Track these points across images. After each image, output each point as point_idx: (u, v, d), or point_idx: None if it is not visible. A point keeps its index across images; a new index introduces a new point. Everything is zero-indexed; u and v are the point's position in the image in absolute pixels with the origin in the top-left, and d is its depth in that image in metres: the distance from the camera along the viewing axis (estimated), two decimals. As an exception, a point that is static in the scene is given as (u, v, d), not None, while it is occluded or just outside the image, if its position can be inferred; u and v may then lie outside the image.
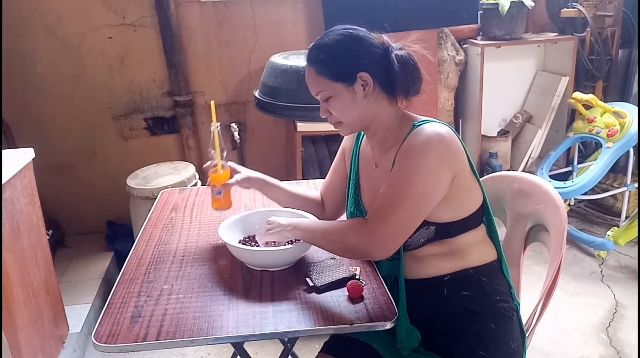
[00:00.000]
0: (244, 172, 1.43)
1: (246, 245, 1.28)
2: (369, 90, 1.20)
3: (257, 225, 1.36)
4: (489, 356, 1.18)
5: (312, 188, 1.75)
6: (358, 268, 1.21)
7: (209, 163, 1.40)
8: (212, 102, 1.37)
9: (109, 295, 1.16)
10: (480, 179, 1.27)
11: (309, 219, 1.28)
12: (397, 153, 1.17)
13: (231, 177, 1.40)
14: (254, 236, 1.33)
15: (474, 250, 1.24)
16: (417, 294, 1.21)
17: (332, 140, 2.70)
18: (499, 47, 3.03)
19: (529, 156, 3.26)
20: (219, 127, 1.35)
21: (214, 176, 1.36)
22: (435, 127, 1.15)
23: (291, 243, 1.27)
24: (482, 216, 1.27)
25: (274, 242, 1.28)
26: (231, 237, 1.27)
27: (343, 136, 1.40)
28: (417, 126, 1.18)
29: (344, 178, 1.42)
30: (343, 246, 1.15)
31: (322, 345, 1.33)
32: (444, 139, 1.13)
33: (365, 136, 1.34)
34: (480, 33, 3.14)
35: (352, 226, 1.15)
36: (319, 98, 1.24)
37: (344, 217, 1.49)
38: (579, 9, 2.98)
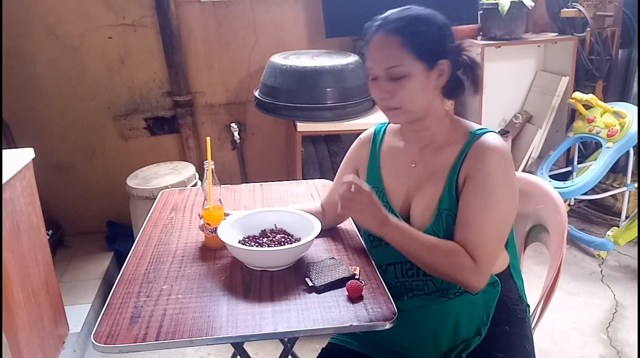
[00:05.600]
0: (235, 214, 1.38)
1: (246, 245, 1.28)
2: (442, 81, 1.13)
3: (257, 225, 1.36)
4: None
5: (314, 193, 1.75)
6: (358, 268, 1.21)
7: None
8: (208, 139, 1.36)
9: (108, 295, 1.16)
10: None
11: (401, 222, 1.14)
12: (458, 164, 1.14)
13: (224, 216, 1.35)
14: (254, 236, 1.33)
15: None
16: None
17: (332, 140, 2.70)
18: (499, 47, 3.02)
19: (529, 156, 3.26)
20: (213, 165, 1.33)
21: (206, 214, 1.33)
22: (498, 140, 1.13)
23: (292, 243, 1.27)
24: None
25: (280, 241, 1.28)
26: (231, 237, 1.27)
27: (358, 136, 1.29)
28: (477, 135, 1.15)
29: None
30: (439, 270, 1.10)
31: (320, 351, 1.31)
32: (510, 154, 1.12)
33: (402, 131, 1.26)
34: (480, 33, 3.14)
35: (454, 254, 1.08)
36: (386, 73, 1.11)
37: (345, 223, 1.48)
38: (579, 9, 2.98)
